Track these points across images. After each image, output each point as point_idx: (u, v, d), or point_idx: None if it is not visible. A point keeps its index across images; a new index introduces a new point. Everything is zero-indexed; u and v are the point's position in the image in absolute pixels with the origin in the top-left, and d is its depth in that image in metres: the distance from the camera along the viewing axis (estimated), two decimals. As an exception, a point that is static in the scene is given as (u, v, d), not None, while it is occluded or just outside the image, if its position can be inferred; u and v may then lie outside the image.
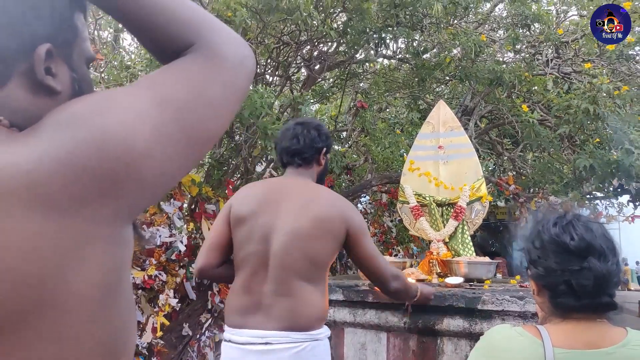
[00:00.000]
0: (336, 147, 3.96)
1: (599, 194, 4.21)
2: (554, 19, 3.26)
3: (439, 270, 2.61)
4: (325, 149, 1.58)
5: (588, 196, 3.79)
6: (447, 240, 2.71)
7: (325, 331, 1.46)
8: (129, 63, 2.97)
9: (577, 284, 0.90)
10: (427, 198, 2.77)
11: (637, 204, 4.01)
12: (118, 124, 0.44)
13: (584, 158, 2.98)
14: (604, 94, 2.89)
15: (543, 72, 3.34)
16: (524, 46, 3.56)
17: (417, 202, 2.79)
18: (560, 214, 0.99)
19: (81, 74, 0.54)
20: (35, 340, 0.41)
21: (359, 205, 4.00)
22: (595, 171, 3.00)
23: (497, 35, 4.11)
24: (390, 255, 3.62)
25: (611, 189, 3.52)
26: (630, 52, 3.33)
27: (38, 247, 0.41)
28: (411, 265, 2.70)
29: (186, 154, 0.50)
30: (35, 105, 0.49)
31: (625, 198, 4.18)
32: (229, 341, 1.40)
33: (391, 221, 3.75)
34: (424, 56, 3.64)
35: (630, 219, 3.54)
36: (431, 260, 2.64)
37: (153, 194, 0.49)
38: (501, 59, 3.43)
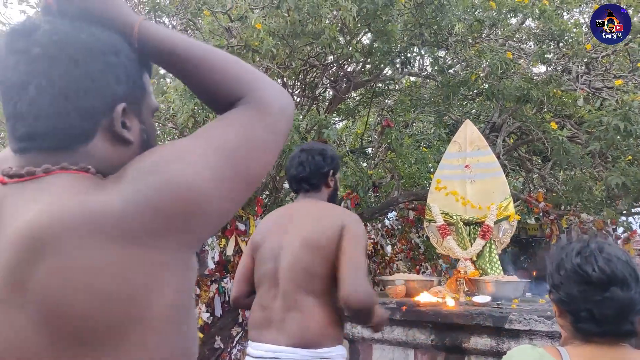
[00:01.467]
0: (363, 164, 4.16)
1: (636, 211, 4.24)
2: (583, 34, 3.38)
3: (466, 289, 2.75)
4: (332, 171, 1.69)
5: (624, 213, 3.84)
6: (474, 259, 2.85)
7: (338, 351, 1.49)
8: (165, 88, 3.28)
9: (598, 312, 0.96)
10: (454, 217, 2.93)
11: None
12: (185, 172, 0.55)
13: (615, 175, 3.07)
14: (636, 111, 2.98)
15: (573, 88, 3.44)
16: (555, 59, 3.67)
17: (444, 221, 2.95)
18: (584, 243, 1.05)
19: (148, 124, 0.67)
20: (125, 350, 0.52)
21: (385, 221, 4.17)
22: (628, 189, 3.08)
23: (527, 47, 4.23)
24: (418, 272, 3.77)
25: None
26: None
27: (126, 273, 0.52)
28: (439, 284, 2.86)
29: (239, 192, 0.61)
30: (113, 154, 0.61)
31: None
32: (249, 355, 1.55)
33: (419, 237, 3.89)
34: (451, 72, 3.81)
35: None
36: (458, 279, 2.79)
37: (214, 227, 0.61)
38: (530, 74, 3.56)
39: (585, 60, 3.39)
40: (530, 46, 4.19)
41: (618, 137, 3.00)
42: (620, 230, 3.45)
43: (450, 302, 2.50)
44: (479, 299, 2.57)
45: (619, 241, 3.36)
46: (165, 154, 0.58)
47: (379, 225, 4.18)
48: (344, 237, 1.47)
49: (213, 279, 3.51)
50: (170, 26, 3.66)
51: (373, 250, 3.99)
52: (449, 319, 2.50)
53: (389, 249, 4.09)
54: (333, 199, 1.74)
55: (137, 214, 0.52)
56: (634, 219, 3.97)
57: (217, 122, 0.63)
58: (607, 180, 3.11)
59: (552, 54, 3.67)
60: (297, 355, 1.42)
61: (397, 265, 4.02)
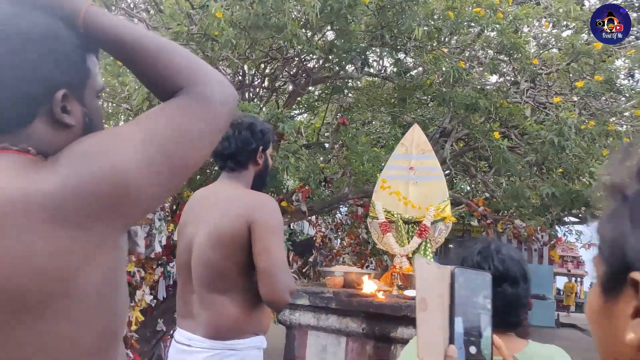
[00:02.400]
0: (320, 158, 4.37)
1: (572, 219, 4.67)
2: (531, 50, 3.69)
3: (399, 283, 3.02)
4: (262, 147, 1.59)
5: (553, 222, 4.23)
6: (410, 255, 3.13)
7: (249, 342, 1.52)
8: (120, 70, 3.35)
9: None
10: (395, 215, 3.19)
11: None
12: (118, 159, 0.60)
13: (547, 186, 3.42)
14: (570, 128, 3.32)
15: (519, 101, 3.77)
16: (505, 71, 3.98)
17: (386, 218, 3.20)
18: (485, 244, 1.24)
19: (91, 107, 0.70)
20: (56, 321, 0.58)
21: (337, 215, 4.41)
22: (557, 199, 3.44)
23: (484, 55, 4.53)
24: (363, 266, 4.03)
25: (580, 216, 3.96)
26: (617, 83, 3.75)
27: (59, 251, 0.57)
28: (374, 277, 3.12)
29: (171, 179, 0.66)
30: (54, 137, 0.65)
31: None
32: (173, 339, 1.65)
33: (367, 233, 4.15)
34: (410, 74, 4.06)
35: (587, 246, 4.00)
36: (393, 274, 3.06)
37: (144, 211, 0.68)
38: (482, 84, 3.85)
39: (531, 76, 3.71)
40: (489, 54, 4.50)
41: (552, 150, 3.34)
42: (547, 237, 3.82)
43: (380, 295, 2.75)
44: (409, 292, 2.84)
45: (546, 247, 3.72)
46: (100, 140, 0.63)
47: (330, 219, 4.41)
48: (255, 230, 1.42)
49: (159, 262, 3.64)
50: (132, 5, 3.71)
51: (321, 243, 4.22)
52: (380, 310, 2.76)
53: (337, 242, 4.33)
54: (262, 177, 1.66)
55: (72, 198, 0.57)
56: (560, 228, 4.38)
57: (155, 111, 0.68)
58: (540, 189, 3.46)
59: (504, 66, 3.98)
60: (206, 344, 1.50)
61: (344, 258, 4.27)
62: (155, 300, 3.58)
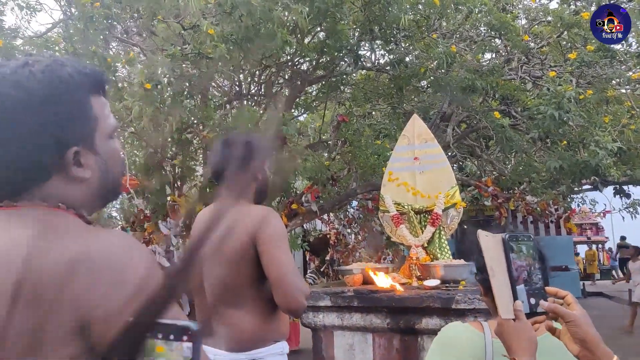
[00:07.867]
0: (324, 155, 4.40)
1: (585, 187, 4.66)
2: (521, 27, 3.67)
3: (418, 274, 3.05)
4: (259, 164, 1.61)
5: (574, 191, 4.22)
6: (425, 245, 3.15)
7: (272, 350, 1.57)
8: (125, 95, 3.38)
9: None
10: (406, 207, 3.21)
11: (621, 196, 4.47)
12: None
13: (554, 160, 3.42)
14: (569, 100, 3.31)
15: (514, 77, 3.75)
16: (498, 49, 3.96)
17: (397, 210, 3.22)
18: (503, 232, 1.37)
19: (105, 152, 0.71)
20: None
21: (349, 211, 4.44)
22: (565, 171, 3.44)
23: (477, 35, 4.51)
24: (380, 259, 4.06)
25: (593, 185, 3.96)
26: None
27: None
28: (392, 270, 3.15)
29: None
30: (72, 190, 0.67)
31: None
32: None
33: (380, 226, 4.18)
34: (404, 64, 4.05)
35: (602, 214, 4.00)
36: (411, 265, 3.08)
37: None
38: (476, 65, 3.84)
39: (524, 51, 3.69)
40: (481, 33, 4.47)
41: (553, 124, 3.33)
42: (562, 210, 3.83)
43: (400, 288, 2.78)
44: (429, 282, 2.86)
45: (561, 220, 3.73)
46: None
47: (342, 215, 4.44)
48: (260, 244, 1.48)
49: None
50: (125, 30, 3.73)
51: (336, 240, 4.25)
52: (402, 303, 2.79)
53: (351, 238, 4.36)
54: (263, 190, 1.68)
55: None
56: (575, 198, 4.38)
57: None
58: (546, 164, 3.46)
59: (497, 43, 3.95)
60: (230, 357, 1.56)
61: (360, 253, 4.30)
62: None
